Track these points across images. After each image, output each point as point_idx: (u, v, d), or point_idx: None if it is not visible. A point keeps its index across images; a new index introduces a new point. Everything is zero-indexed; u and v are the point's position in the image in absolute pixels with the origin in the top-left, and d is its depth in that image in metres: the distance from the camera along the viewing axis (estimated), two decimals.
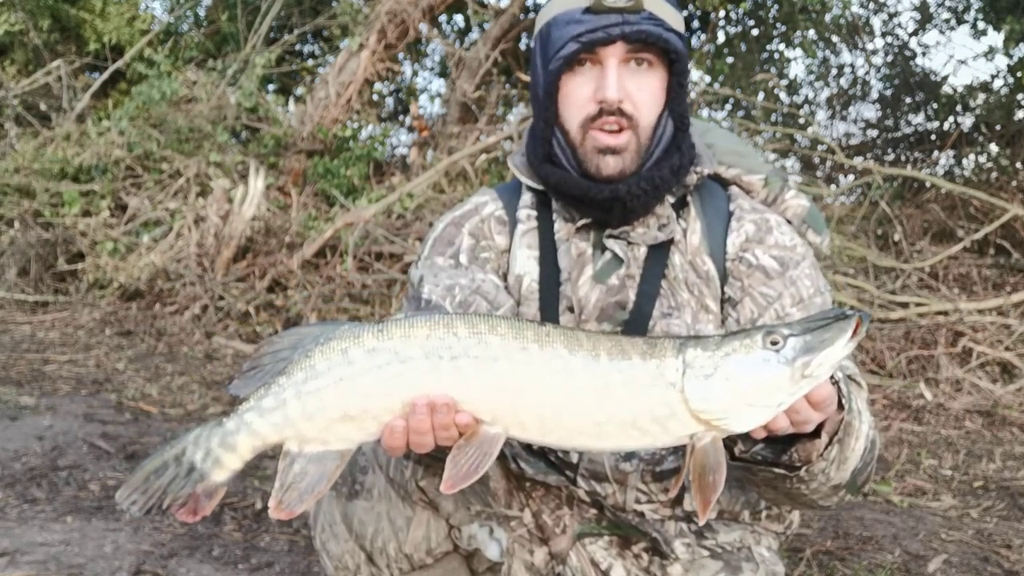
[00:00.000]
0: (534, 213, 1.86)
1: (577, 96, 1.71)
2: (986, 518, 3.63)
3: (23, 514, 3.15)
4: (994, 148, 9.71)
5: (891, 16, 11.06)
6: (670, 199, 1.80)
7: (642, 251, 1.78)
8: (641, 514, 1.79)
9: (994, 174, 9.43)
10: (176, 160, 8.53)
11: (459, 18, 11.64)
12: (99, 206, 8.35)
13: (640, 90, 1.70)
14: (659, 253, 1.78)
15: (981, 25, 9.74)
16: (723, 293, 1.79)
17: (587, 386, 1.34)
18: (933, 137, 10.18)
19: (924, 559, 3.12)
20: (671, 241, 1.78)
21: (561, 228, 1.82)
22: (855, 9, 10.27)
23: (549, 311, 1.78)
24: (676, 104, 1.74)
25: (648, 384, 1.33)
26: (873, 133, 10.87)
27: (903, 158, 10.37)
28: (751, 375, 1.30)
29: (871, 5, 10.84)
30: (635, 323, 1.74)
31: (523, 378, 1.34)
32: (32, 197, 8.45)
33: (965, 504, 3.78)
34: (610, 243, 1.78)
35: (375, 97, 11.33)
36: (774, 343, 1.30)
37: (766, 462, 1.53)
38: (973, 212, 7.86)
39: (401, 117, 12.02)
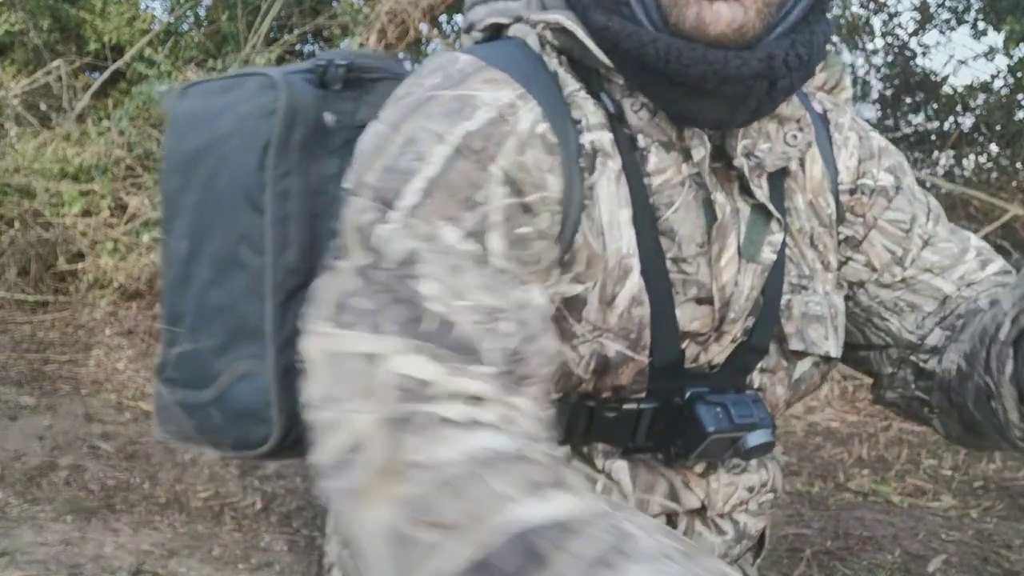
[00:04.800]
0: (609, 136, 0.91)
1: None
2: (986, 518, 3.63)
3: (23, 514, 3.15)
4: (994, 148, 9.72)
5: (891, 16, 11.07)
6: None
7: (763, 183, 0.99)
8: None
9: (994, 174, 9.45)
10: None
11: (459, 18, 11.66)
12: (99, 206, 8.35)
13: None
14: (778, 186, 1.02)
15: (981, 25, 9.76)
16: (838, 234, 1.08)
17: None
18: (933, 137, 10.19)
19: (924, 559, 3.12)
20: (786, 171, 1.04)
21: (656, 153, 0.91)
22: (855, 9, 10.29)
23: (662, 316, 0.94)
24: None
25: None
26: None
27: None
28: None
29: (871, 5, 10.85)
30: (766, 310, 0.99)
31: None
32: (32, 197, 8.45)
33: (965, 504, 3.78)
34: (743, 168, 0.94)
35: None
36: None
37: None
38: (973, 212, 7.86)
39: None
